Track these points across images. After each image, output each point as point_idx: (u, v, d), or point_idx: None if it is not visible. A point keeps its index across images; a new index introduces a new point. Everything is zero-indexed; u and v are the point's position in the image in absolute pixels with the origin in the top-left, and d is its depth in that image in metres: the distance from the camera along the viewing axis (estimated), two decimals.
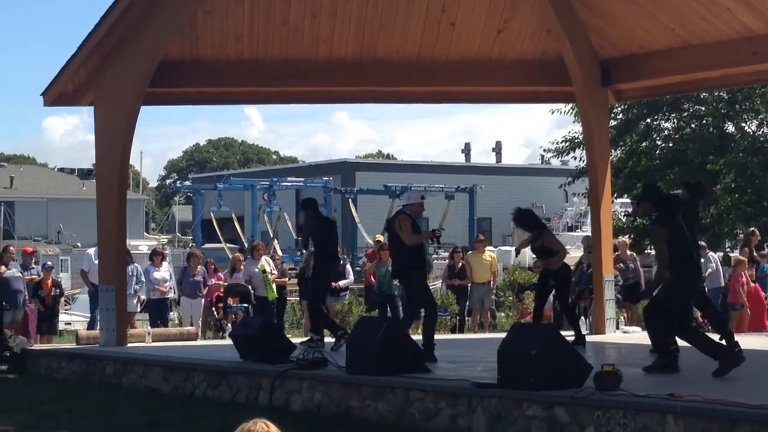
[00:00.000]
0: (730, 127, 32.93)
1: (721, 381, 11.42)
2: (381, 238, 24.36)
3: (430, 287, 16.58)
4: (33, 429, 11.68)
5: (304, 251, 29.97)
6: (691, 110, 33.26)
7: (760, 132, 33.00)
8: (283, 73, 18.12)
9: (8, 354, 17.21)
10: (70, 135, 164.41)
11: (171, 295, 21.79)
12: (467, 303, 22.89)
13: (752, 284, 20.60)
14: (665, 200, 13.17)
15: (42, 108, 17.43)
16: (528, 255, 48.66)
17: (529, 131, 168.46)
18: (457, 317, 22.59)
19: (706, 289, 22.65)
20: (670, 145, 34.00)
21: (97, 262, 18.51)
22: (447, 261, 22.45)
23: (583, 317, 19.63)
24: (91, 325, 20.51)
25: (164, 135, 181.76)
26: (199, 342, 18.60)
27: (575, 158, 35.37)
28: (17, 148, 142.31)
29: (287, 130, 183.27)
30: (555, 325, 18.25)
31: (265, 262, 21.51)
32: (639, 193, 12.66)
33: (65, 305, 28.08)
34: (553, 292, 16.57)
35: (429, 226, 29.24)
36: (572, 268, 21.63)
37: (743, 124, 32.94)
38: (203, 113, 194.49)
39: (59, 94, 17.21)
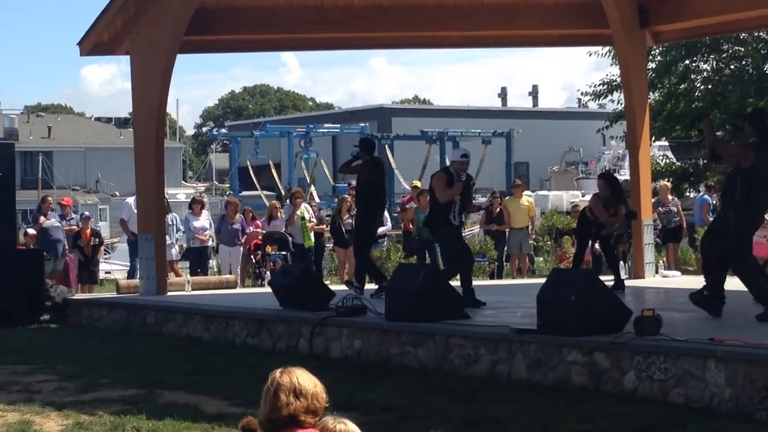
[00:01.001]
0: None
1: (763, 325, 11.35)
2: (418, 183, 24.30)
3: (469, 233, 16.55)
4: (76, 378, 11.76)
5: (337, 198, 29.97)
6: (730, 51, 32.91)
7: None
8: (319, 20, 18.03)
9: (50, 303, 17.36)
10: (108, 84, 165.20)
11: (210, 243, 21.87)
12: (505, 248, 22.87)
13: None
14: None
15: (80, 58, 17.45)
16: (566, 199, 48.62)
17: (567, 74, 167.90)
18: (496, 263, 22.57)
19: None
20: (709, 87, 33.69)
21: (136, 211, 18.59)
22: (485, 206, 22.38)
23: (622, 261, 19.58)
24: (131, 274, 20.65)
25: (202, 82, 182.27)
26: (239, 290, 18.68)
27: (613, 101, 35.15)
28: (56, 98, 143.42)
29: (325, 75, 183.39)
30: (594, 269, 18.19)
31: (304, 209, 21.53)
32: (746, 113, 12.18)
33: (105, 254, 28.24)
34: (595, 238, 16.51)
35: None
36: None
37: None
38: (241, 60, 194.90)
39: (95, 43, 17.21)
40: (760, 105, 30.60)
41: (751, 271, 12.19)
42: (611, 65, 32.34)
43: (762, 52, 31.73)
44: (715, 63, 33.60)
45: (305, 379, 4.78)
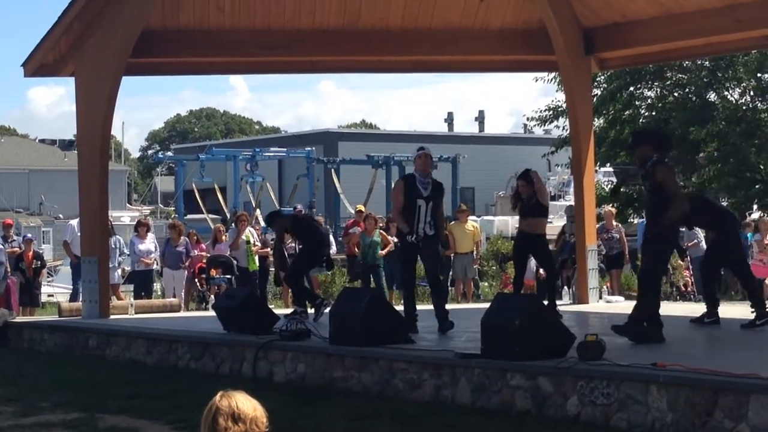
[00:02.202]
0: (713, 96, 32.91)
1: (705, 350, 11.44)
2: (362, 208, 24.27)
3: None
4: (16, 401, 11.63)
5: None
6: (673, 79, 33.22)
7: (743, 101, 33.00)
8: (266, 44, 18.04)
9: None
10: (56, 105, 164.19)
11: (155, 266, 21.74)
12: (450, 273, 22.89)
13: None
14: (664, 138, 13.02)
15: (27, 79, 17.33)
16: (511, 224, 48.77)
17: (515, 100, 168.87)
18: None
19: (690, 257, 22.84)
20: (653, 114, 33.99)
21: (79, 233, 18.44)
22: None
23: (566, 287, 19.68)
24: (73, 297, 20.48)
25: (150, 105, 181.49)
26: (182, 314, 18.59)
27: (558, 127, 35.35)
28: (1, 119, 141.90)
29: (273, 99, 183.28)
30: (538, 294, 18.26)
31: (249, 233, 21.48)
32: (630, 139, 12.30)
33: (47, 277, 28.00)
34: (534, 259, 16.35)
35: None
36: (555, 237, 21.71)
37: (726, 93, 32.93)
38: (190, 83, 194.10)
39: (40, 64, 17.10)
40: (702, 132, 30.92)
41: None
42: (557, 91, 32.57)
43: (704, 80, 32.05)
44: (659, 90, 33.89)
45: (244, 403, 4.71)
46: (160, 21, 17.45)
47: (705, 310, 14.14)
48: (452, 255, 22.72)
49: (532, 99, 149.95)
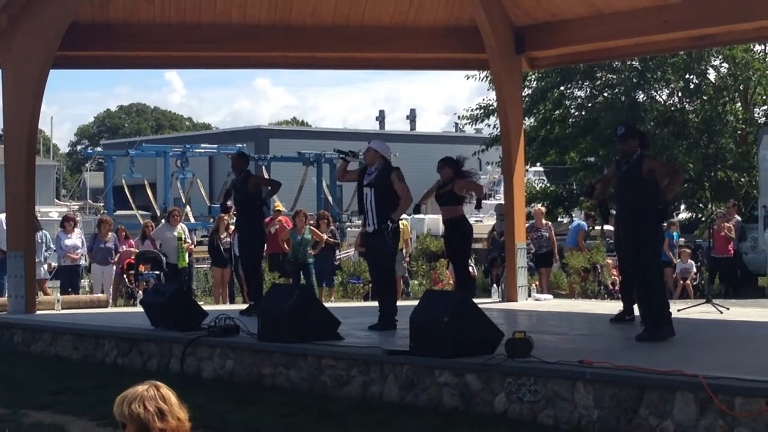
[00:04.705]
0: (642, 97, 33.22)
1: (631, 348, 11.54)
2: (280, 206, 24.08)
3: (343, 255, 16.44)
4: None
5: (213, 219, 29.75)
6: (603, 79, 33.50)
7: (671, 101, 33.36)
8: (196, 38, 17.93)
9: None
10: None
11: (82, 262, 21.54)
12: None
13: None
14: (648, 141, 13.11)
15: None
16: (441, 223, 48.90)
17: (450, 98, 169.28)
18: (370, 284, 22.57)
19: None
20: (583, 113, 34.25)
21: (5, 228, 18.22)
22: (360, 228, 22.40)
23: (495, 285, 19.77)
24: None
25: (84, 100, 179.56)
26: (110, 309, 18.42)
27: (489, 126, 35.49)
28: None
29: (209, 95, 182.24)
30: (466, 291, 18.29)
31: (181, 230, 21.36)
32: (622, 129, 12.32)
33: None
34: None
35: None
36: (486, 236, 21.82)
37: (654, 93, 33.26)
38: (124, 79, 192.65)
39: None
40: None
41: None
42: (488, 90, 32.72)
43: (634, 80, 32.34)
44: (588, 90, 34.16)
45: (167, 392, 4.71)
46: (89, 14, 17.28)
47: (622, 308, 14.18)
48: None
49: (467, 98, 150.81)
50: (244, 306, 16.30)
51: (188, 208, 44.04)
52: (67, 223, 21.41)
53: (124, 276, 21.22)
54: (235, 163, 16.57)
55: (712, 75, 32.65)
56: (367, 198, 13.69)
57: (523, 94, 25.08)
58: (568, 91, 33.93)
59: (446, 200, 15.49)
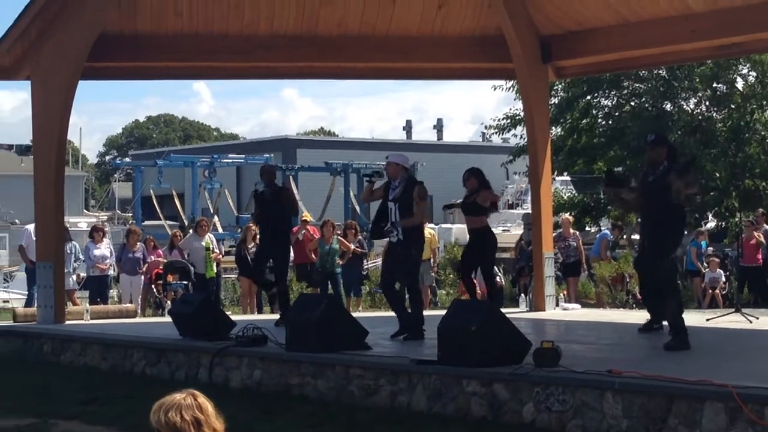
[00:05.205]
0: (669, 106, 33.12)
1: (659, 357, 11.50)
2: (308, 216, 24.14)
3: (370, 265, 16.46)
4: None
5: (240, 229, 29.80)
6: (630, 88, 33.41)
7: (698, 110, 33.24)
8: (224, 49, 17.98)
9: None
10: (19, 110, 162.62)
11: (111, 272, 21.62)
12: None
13: None
14: (677, 154, 13.09)
15: None
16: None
17: (477, 108, 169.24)
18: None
19: None
20: (610, 123, 34.16)
21: (35, 238, 18.32)
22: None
23: (523, 294, 19.74)
24: (28, 303, 20.32)
25: (113, 111, 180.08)
26: (138, 319, 18.48)
27: (516, 136, 35.45)
28: None
29: (237, 106, 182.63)
30: (494, 301, 18.28)
31: (209, 240, 21.43)
32: (653, 137, 12.39)
33: (3, 283, 27.81)
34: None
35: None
36: (513, 245, 21.77)
37: (682, 103, 33.14)
38: (153, 90, 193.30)
39: None
40: None
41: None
42: (515, 99, 32.68)
43: (660, 89, 32.25)
44: (615, 99, 34.07)
45: (204, 401, 4.71)
46: (117, 25, 17.35)
47: (649, 317, 14.12)
48: None
49: (494, 107, 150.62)
50: (272, 315, 16.30)
51: (216, 218, 44.12)
52: (95, 233, 21.49)
53: (153, 286, 21.28)
54: (266, 177, 16.50)
55: (739, 83, 32.53)
56: (392, 213, 13.75)
57: (549, 103, 25.04)
58: (595, 100, 33.85)
59: (471, 210, 15.60)
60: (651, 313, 13.99)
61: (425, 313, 14.02)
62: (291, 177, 49.91)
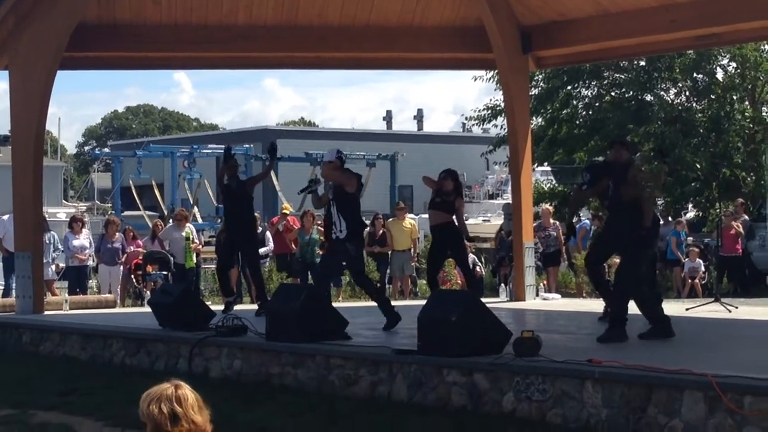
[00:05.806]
0: (649, 96, 33.18)
1: (639, 347, 11.52)
2: (288, 207, 24.11)
3: None
4: None
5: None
6: (610, 78, 33.46)
7: (678, 101, 33.31)
8: (203, 39, 17.93)
9: None
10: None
11: (90, 262, 21.55)
12: (388, 270, 22.90)
13: None
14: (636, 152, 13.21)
15: None
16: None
17: (457, 99, 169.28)
18: (378, 284, 22.56)
19: None
20: (590, 113, 34.21)
21: (12, 228, 18.24)
22: (368, 228, 22.41)
23: (503, 284, 19.75)
24: (6, 293, 20.21)
25: (92, 101, 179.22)
26: (118, 310, 18.42)
27: (496, 126, 35.47)
28: None
29: (218, 96, 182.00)
30: (474, 290, 18.29)
31: (189, 230, 21.37)
32: (614, 139, 12.56)
33: None
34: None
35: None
36: (493, 235, 21.80)
37: (662, 93, 33.21)
38: (133, 79, 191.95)
39: None
40: (638, 132, 31.16)
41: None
42: (495, 90, 32.70)
43: (641, 80, 32.30)
44: (596, 89, 34.12)
45: (189, 392, 4.71)
46: (95, 14, 17.28)
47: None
48: (390, 252, 22.74)
49: (474, 98, 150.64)
50: (249, 305, 16.28)
51: (195, 208, 44.00)
52: (74, 223, 21.40)
53: (132, 276, 21.23)
54: (229, 171, 16.24)
55: (719, 74, 32.62)
56: (332, 209, 13.80)
57: (530, 94, 25.05)
58: (575, 90, 33.90)
59: (441, 207, 15.74)
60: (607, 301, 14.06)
61: (405, 303, 14.04)
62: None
